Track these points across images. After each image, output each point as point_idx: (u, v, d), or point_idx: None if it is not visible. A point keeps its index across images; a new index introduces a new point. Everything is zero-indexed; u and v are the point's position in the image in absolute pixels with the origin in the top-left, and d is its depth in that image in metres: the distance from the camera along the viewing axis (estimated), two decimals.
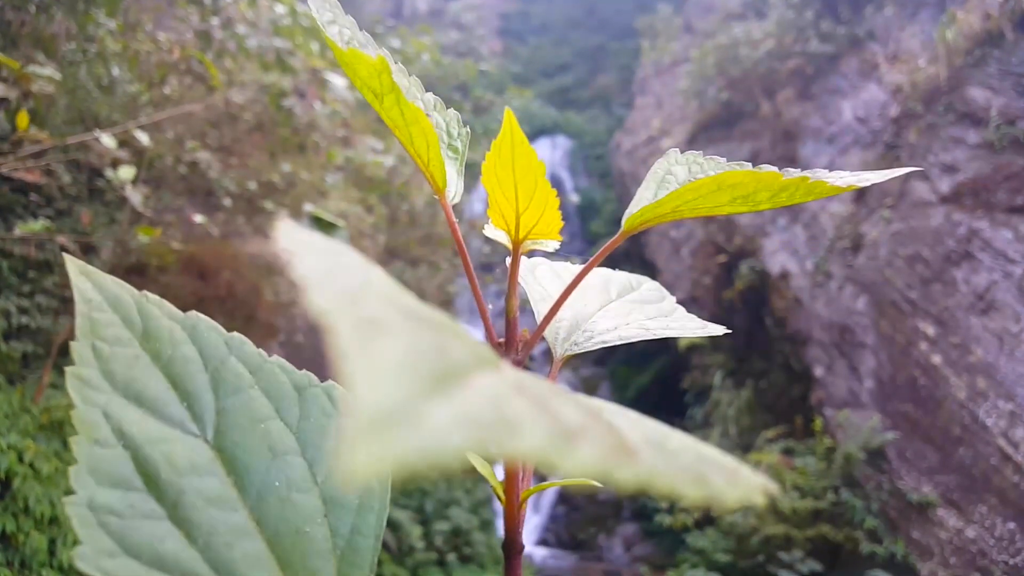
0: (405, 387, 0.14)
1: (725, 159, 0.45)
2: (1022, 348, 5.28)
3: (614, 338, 0.45)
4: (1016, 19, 6.16)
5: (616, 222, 0.46)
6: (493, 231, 0.45)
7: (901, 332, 6.34)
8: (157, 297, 0.36)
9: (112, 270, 4.58)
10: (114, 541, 0.28)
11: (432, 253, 8.45)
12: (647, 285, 0.53)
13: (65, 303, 4.40)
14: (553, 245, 0.46)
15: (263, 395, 0.36)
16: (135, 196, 3.35)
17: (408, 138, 0.41)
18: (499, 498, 0.41)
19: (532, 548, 8.89)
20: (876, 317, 6.72)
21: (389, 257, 7.90)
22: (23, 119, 2.54)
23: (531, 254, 0.47)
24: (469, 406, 0.15)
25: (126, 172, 3.29)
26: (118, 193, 3.74)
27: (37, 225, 3.37)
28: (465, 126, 0.46)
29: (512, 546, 0.41)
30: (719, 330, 0.47)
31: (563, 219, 0.44)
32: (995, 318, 5.55)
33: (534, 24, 25.54)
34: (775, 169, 0.38)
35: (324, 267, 0.18)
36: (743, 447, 7.84)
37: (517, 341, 0.41)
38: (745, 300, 9.02)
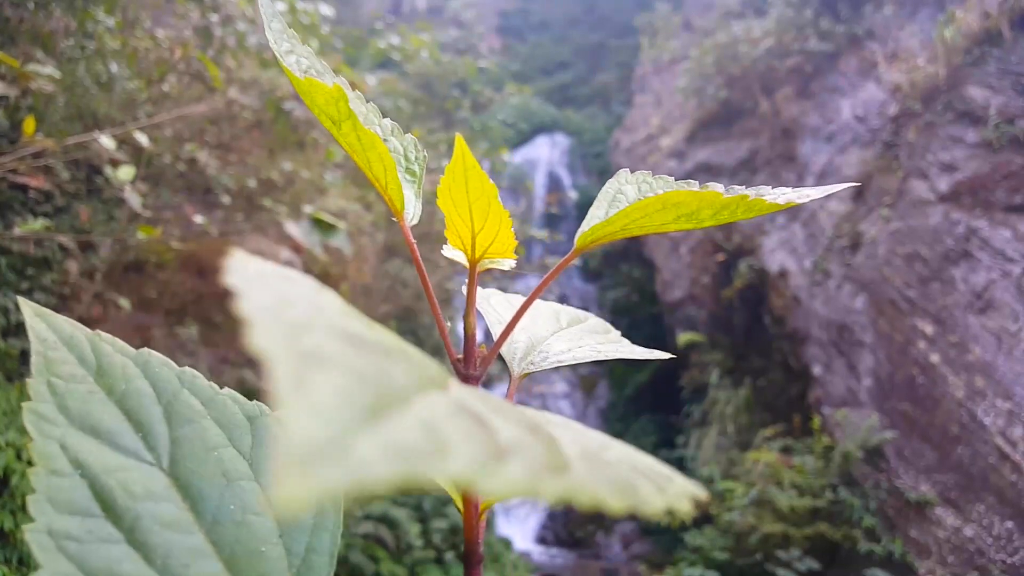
0: (336, 421, 0.14)
1: (673, 178, 0.46)
2: (1020, 347, 5.28)
3: (568, 359, 0.48)
4: (1015, 18, 6.15)
5: None
6: (451, 251, 0.46)
7: (899, 331, 6.34)
8: (110, 336, 0.38)
9: (111, 268, 4.59)
10: (74, 565, 0.29)
11: (431, 251, 8.45)
12: (594, 319, 0.56)
13: (64, 300, 4.41)
14: (509, 264, 0.47)
15: (215, 425, 0.37)
16: (133, 198, 3.35)
17: (366, 163, 0.42)
18: (458, 508, 0.42)
19: (531, 546, 8.91)
20: (874, 316, 6.72)
21: (388, 255, 7.90)
22: (30, 125, 2.53)
23: (487, 272, 0.48)
24: (400, 433, 0.16)
25: (125, 173, 3.29)
26: (116, 191, 3.74)
27: (37, 224, 3.37)
28: (423, 150, 0.47)
29: (472, 556, 0.42)
30: (665, 355, 0.51)
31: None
32: (993, 317, 5.55)
33: (533, 21, 25.50)
34: (719, 189, 0.40)
35: (270, 300, 0.19)
36: (741, 445, 7.84)
37: (475, 356, 0.43)
38: (744, 298, 9.02)
